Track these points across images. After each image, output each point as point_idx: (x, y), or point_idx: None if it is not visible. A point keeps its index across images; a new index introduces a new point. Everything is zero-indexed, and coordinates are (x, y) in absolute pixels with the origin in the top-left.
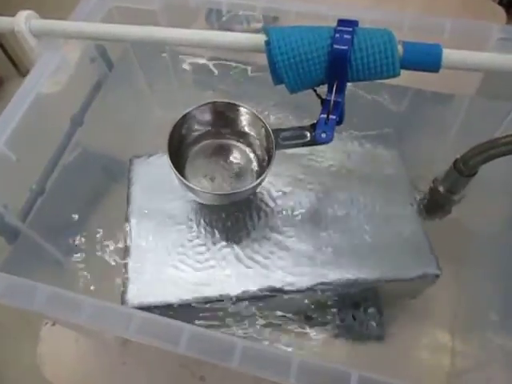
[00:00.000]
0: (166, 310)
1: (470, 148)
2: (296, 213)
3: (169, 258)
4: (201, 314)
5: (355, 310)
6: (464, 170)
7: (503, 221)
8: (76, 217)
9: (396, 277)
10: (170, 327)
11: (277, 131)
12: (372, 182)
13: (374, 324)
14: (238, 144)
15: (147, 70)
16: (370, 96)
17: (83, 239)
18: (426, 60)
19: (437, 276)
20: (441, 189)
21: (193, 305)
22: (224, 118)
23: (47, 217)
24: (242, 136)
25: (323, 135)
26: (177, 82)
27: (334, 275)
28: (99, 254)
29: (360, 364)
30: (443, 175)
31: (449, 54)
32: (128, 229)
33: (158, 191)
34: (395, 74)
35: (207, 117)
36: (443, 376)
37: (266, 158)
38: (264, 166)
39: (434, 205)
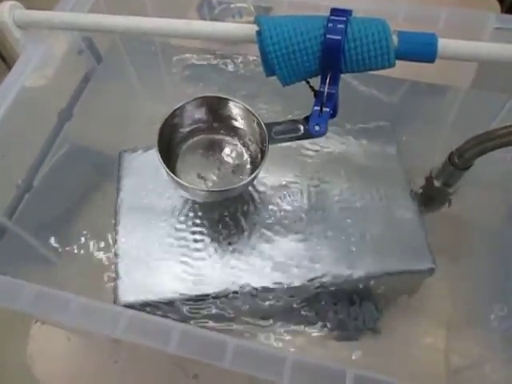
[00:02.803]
0: (157, 307)
1: (465, 140)
2: (291, 208)
3: (159, 254)
4: (193, 312)
5: (351, 306)
6: (459, 163)
7: (500, 215)
8: (65, 213)
9: (392, 271)
10: (159, 326)
11: (270, 125)
12: (369, 176)
13: (370, 320)
14: (231, 139)
15: (137, 63)
16: (364, 88)
17: (72, 236)
18: (422, 50)
19: (432, 270)
20: (436, 182)
21: (184, 302)
22: (216, 112)
23: (35, 214)
24: (235, 131)
25: (317, 128)
26: (167, 75)
27: (329, 271)
28: (89, 250)
29: (356, 360)
30: (438, 168)
31: (445, 44)
32: (117, 225)
33: (148, 186)
34: (390, 65)
35: (198, 111)
36: (441, 372)
37: (259, 152)
38: (257, 161)
39: (430, 198)
